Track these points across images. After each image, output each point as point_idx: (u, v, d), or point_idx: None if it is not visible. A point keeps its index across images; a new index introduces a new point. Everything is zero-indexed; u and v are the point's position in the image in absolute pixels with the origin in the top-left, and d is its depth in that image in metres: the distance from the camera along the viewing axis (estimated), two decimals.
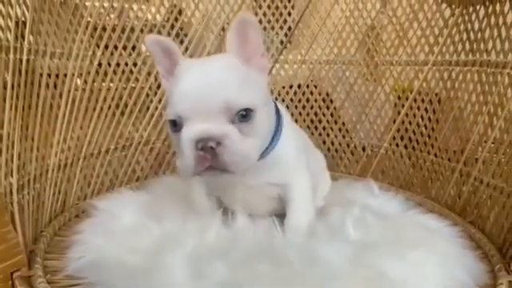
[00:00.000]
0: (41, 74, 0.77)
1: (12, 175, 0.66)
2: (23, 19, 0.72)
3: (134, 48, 0.99)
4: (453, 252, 0.63)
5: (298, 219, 0.68)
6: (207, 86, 0.57)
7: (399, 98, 1.04)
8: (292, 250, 0.59)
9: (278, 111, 0.68)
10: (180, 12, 1.05)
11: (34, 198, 0.72)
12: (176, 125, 0.58)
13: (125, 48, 0.97)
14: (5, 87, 0.66)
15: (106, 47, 0.94)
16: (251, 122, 0.58)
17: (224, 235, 0.64)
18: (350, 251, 0.59)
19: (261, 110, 0.59)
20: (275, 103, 0.69)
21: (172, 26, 1.04)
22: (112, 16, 0.93)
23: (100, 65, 0.92)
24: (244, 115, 0.57)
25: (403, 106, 1.02)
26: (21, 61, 0.71)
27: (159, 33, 1.02)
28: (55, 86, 0.81)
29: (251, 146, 0.59)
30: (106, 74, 0.94)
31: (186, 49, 1.05)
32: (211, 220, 0.67)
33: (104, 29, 0.92)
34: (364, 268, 0.56)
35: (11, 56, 0.68)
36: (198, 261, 0.57)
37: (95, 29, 0.91)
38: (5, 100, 0.66)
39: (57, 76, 0.82)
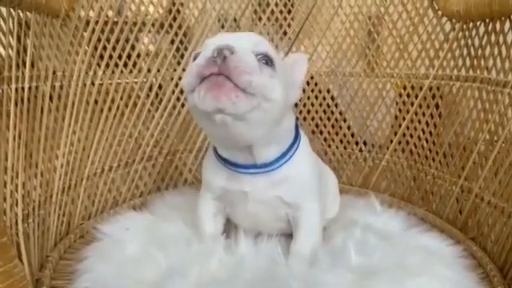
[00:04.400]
0: (43, 99, 0.77)
1: (17, 205, 0.66)
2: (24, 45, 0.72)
3: (134, 65, 0.99)
4: (454, 276, 0.63)
5: (303, 246, 0.68)
6: (236, 33, 0.64)
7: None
8: (294, 279, 0.59)
9: (297, 127, 0.71)
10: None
11: (39, 224, 0.73)
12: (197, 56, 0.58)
13: (126, 65, 0.97)
14: (7, 116, 0.66)
15: (107, 65, 0.94)
16: (273, 69, 0.58)
17: (227, 263, 0.65)
18: (351, 278, 0.60)
19: (280, 71, 0.59)
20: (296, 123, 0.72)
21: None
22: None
23: (101, 84, 0.93)
24: (265, 62, 0.57)
25: (404, 118, 1.02)
26: (23, 89, 0.71)
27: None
28: (57, 109, 0.82)
29: (271, 82, 0.56)
30: (107, 92, 0.94)
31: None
32: (215, 246, 0.68)
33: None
34: None
35: (13, 86, 0.68)
36: None
37: (96, 49, 0.91)
38: (8, 130, 0.66)
39: (59, 99, 0.82)
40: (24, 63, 0.72)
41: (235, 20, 1.10)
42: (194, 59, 0.58)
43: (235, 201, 0.71)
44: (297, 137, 0.69)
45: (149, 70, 1.01)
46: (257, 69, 0.55)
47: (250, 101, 0.54)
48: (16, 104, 0.68)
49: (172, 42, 1.04)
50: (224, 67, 0.53)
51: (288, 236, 0.73)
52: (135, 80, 0.99)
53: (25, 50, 0.73)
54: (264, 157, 0.65)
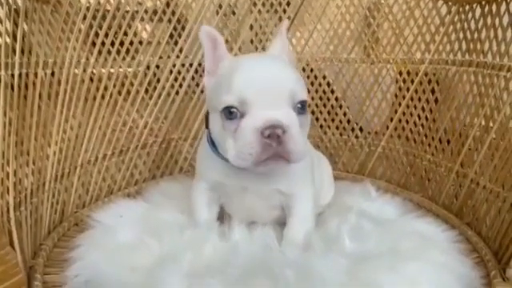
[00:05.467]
0: (34, 86, 0.76)
1: (8, 193, 0.66)
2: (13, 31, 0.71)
3: (128, 52, 0.98)
4: (448, 261, 0.63)
5: (296, 232, 0.68)
6: (273, 74, 0.59)
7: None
8: (288, 265, 0.59)
9: None
10: None
11: (31, 212, 0.72)
12: (232, 112, 0.57)
13: (118, 52, 0.96)
14: None
15: (100, 52, 0.93)
16: (306, 115, 0.61)
17: (221, 249, 0.65)
18: (345, 265, 0.60)
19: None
20: None
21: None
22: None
23: (94, 71, 0.92)
24: (301, 107, 0.59)
25: (400, 104, 1.01)
26: (13, 76, 0.70)
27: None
28: (49, 97, 0.81)
29: (305, 139, 0.60)
30: (100, 80, 0.93)
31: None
32: (208, 233, 0.68)
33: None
34: (359, 282, 0.56)
35: (2, 72, 0.67)
36: (195, 278, 0.57)
37: (88, 35, 0.90)
38: None
39: (50, 86, 0.81)
40: (14, 50, 0.71)
41: (230, 5, 1.09)
42: (228, 112, 0.57)
43: (232, 193, 0.71)
44: None
45: (143, 58, 1.00)
46: (302, 140, 0.58)
47: None
48: (6, 92, 0.68)
49: (166, 28, 1.03)
50: (281, 150, 0.55)
51: (282, 224, 0.73)
52: (129, 69, 0.98)
53: (15, 37, 0.72)
54: None
